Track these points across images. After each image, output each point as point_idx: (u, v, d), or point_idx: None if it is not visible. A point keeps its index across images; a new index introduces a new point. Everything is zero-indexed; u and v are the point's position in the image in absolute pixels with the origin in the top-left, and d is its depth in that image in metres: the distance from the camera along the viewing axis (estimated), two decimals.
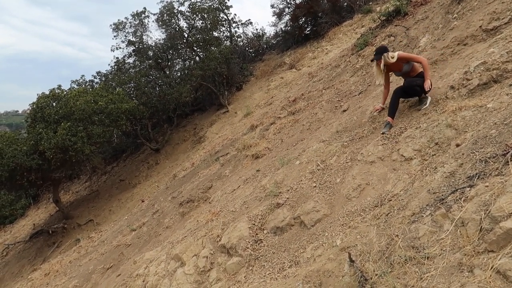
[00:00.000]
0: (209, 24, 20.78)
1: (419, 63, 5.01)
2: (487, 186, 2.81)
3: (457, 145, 3.83)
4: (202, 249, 5.08)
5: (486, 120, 3.85)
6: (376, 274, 2.92)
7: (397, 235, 3.12)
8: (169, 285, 4.90)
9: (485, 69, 4.73)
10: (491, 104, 4.09)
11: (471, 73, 4.88)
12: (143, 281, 5.42)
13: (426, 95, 5.07)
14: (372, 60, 5.29)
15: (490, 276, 2.18)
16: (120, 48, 22.94)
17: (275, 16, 23.19)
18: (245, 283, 4.15)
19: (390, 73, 5.52)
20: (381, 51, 5.09)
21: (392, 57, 4.96)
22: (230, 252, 4.72)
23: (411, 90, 5.06)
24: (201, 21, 20.99)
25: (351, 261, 3.23)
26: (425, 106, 5.00)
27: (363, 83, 8.12)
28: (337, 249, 3.58)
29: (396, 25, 8.77)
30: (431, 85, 4.79)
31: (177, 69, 22.47)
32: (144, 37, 21.43)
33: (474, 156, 3.36)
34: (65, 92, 16.09)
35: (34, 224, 18.63)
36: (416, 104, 5.28)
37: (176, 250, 5.41)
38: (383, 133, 5.03)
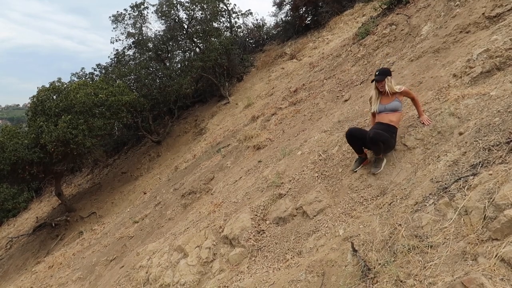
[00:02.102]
0: (208, 14, 20.62)
1: (412, 98, 4.40)
2: (490, 174, 2.79)
3: (460, 134, 3.80)
4: (205, 240, 5.08)
5: (489, 108, 3.82)
6: (379, 264, 2.92)
7: (400, 224, 3.11)
8: (172, 276, 4.92)
9: (488, 57, 4.69)
10: (494, 92, 4.05)
11: (474, 61, 4.83)
12: (146, 272, 5.44)
13: (382, 156, 4.35)
14: (372, 81, 4.50)
15: (494, 264, 2.17)
16: (119, 40, 22.85)
17: (275, 6, 23.03)
18: (248, 273, 4.16)
19: None
20: (386, 72, 4.39)
21: (395, 86, 4.37)
22: (233, 243, 4.72)
23: (374, 143, 4.16)
24: (200, 12, 20.83)
25: (354, 250, 3.23)
26: (379, 170, 4.29)
27: (364, 72, 8.07)
28: (340, 239, 3.58)
29: (397, 14, 8.68)
30: (427, 119, 4.33)
31: (177, 60, 22.36)
32: (143, 28, 21.33)
33: (478, 144, 3.34)
34: (65, 85, 16.03)
35: (37, 217, 18.72)
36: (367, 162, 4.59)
37: (178, 242, 5.42)
38: (355, 171, 4.54)
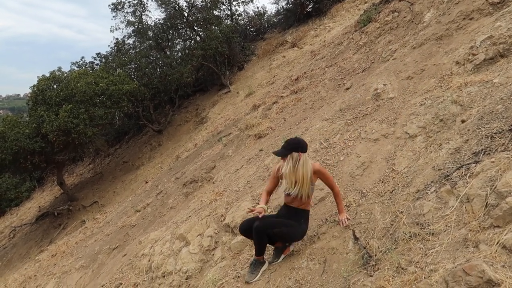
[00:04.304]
0: (209, 2, 20.39)
1: (332, 189, 3.61)
2: (493, 162, 2.78)
3: (463, 121, 3.78)
4: (207, 229, 5.11)
5: (492, 96, 3.79)
6: (381, 251, 2.93)
7: (401, 212, 3.12)
8: (174, 264, 4.95)
9: (491, 44, 4.64)
10: (497, 79, 4.02)
11: (477, 48, 4.79)
12: (149, 260, 5.48)
13: (290, 246, 3.78)
14: (276, 154, 3.56)
15: (496, 251, 2.17)
16: (119, 28, 22.67)
17: None
18: (249, 261, 4.18)
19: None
20: (293, 147, 3.43)
21: (303, 166, 3.39)
22: (235, 231, 4.74)
23: (259, 236, 3.51)
24: (200, 0, 20.64)
25: (356, 238, 3.24)
26: (254, 278, 3.68)
27: (366, 60, 8.00)
28: (341, 227, 3.59)
29: (400, 0, 8.57)
30: (346, 219, 3.59)
31: (177, 49, 22.18)
32: (143, 17, 21.11)
33: (480, 132, 3.32)
34: (65, 74, 15.98)
35: (39, 206, 18.82)
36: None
37: (180, 230, 5.45)
38: (247, 282, 3.70)
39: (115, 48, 20.91)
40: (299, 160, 3.38)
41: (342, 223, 3.58)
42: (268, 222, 3.48)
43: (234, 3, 22.25)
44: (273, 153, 3.60)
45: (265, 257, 3.75)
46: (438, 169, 3.30)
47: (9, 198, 20.75)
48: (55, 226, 15.01)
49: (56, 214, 15.50)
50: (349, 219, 3.60)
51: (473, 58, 4.72)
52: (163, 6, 20.51)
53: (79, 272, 7.56)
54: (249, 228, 3.55)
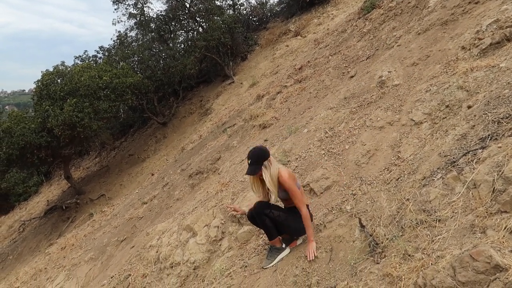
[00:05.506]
0: None
1: (297, 207, 3.39)
2: (500, 147, 2.76)
3: (469, 107, 3.74)
4: (213, 219, 5.13)
5: (498, 80, 3.75)
6: (387, 238, 2.93)
7: (408, 199, 3.10)
8: (182, 255, 4.99)
9: (498, 27, 4.57)
10: (504, 63, 3.96)
11: (483, 32, 4.72)
12: (157, 251, 5.53)
13: (282, 244, 3.69)
14: (250, 174, 3.49)
15: (503, 236, 2.16)
16: (121, 21, 22.54)
17: None
18: (256, 251, 4.20)
19: None
20: (260, 157, 3.41)
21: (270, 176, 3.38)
22: (241, 221, 4.76)
23: (259, 218, 3.57)
24: None
25: (362, 226, 3.24)
26: (270, 264, 3.64)
27: (370, 47, 7.93)
28: (347, 215, 3.59)
29: None
30: (315, 251, 3.32)
31: (180, 41, 22.07)
32: (145, 9, 20.98)
33: (487, 117, 3.29)
34: (69, 69, 16.00)
35: (48, 200, 19.01)
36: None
37: (187, 221, 5.48)
38: (263, 268, 3.69)
39: (118, 41, 20.85)
40: (271, 166, 3.40)
41: (308, 255, 3.34)
42: (267, 204, 3.63)
43: None
44: (246, 174, 3.50)
45: (283, 244, 3.72)
46: (445, 156, 3.27)
47: (17, 193, 21.00)
48: (63, 220, 15.17)
49: (64, 207, 15.65)
50: (315, 254, 3.32)
51: (479, 42, 4.65)
52: None
53: (89, 264, 7.65)
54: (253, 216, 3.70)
